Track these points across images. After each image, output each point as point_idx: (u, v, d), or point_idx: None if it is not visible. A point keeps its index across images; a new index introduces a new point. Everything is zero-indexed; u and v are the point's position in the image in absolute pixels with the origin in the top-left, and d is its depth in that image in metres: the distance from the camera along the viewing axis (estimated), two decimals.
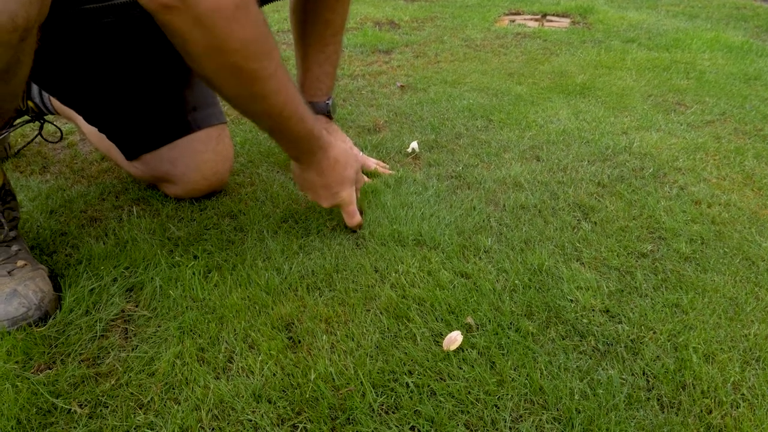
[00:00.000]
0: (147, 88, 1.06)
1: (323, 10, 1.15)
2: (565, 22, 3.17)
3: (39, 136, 1.29)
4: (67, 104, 1.09)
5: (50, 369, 0.74)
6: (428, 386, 0.70)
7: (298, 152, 0.95)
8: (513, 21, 3.17)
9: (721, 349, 0.78)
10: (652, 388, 0.72)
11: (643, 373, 0.73)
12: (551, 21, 3.21)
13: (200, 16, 0.69)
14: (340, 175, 0.98)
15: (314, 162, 0.95)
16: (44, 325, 0.79)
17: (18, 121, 1.32)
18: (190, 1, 0.68)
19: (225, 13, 0.70)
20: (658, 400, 0.70)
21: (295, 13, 1.20)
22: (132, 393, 0.70)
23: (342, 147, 0.99)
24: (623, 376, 0.73)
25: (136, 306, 0.85)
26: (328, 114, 1.27)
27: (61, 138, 1.40)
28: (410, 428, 0.66)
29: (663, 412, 0.68)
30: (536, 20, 3.22)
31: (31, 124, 1.38)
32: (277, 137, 0.92)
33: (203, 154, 1.11)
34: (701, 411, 0.68)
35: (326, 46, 1.19)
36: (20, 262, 0.82)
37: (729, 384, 0.72)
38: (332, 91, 1.28)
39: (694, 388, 0.71)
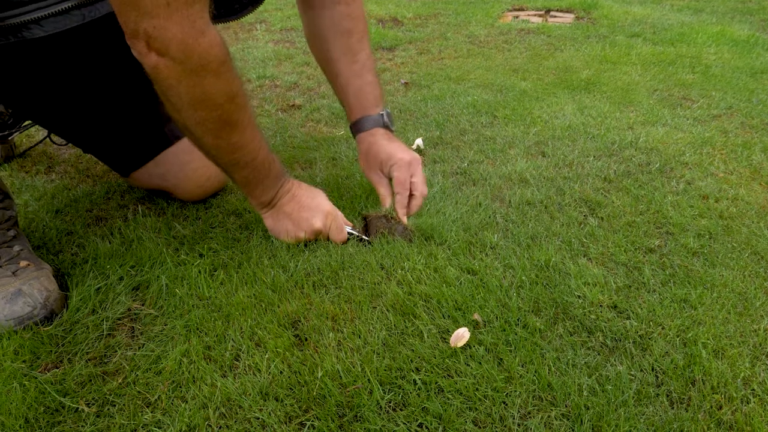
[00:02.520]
0: (115, 106, 1.02)
1: (340, 21, 1.05)
2: (569, 18, 3.16)
3: (47, 138, 1.29)
4: (43, 125, 1.08)
5: (57, 368, 0.74)
6: (436, 383, 0.70)
7: (272, 193, 0.94)
8: (517, 17, 3.15)
9: (731, 344, 0.77)
10: (662, 383, 0.71)
11: (652, 369, 0.73)
12: (555, 17, 3.20)
13: (189, 71, 0.71)
14: (314, 202, 0.97)
15: (287, 193, 0.95)
16: (50, 324, 0.79)
17: (27, 122, 1.32)
18: (180, 56, 0.70)
19: (212, 67, 0.72)
20: (668, 396, 0.69)
21: (314, 37, 1.10)
22: (139, 391, 0.70)
23: (307, 185, 1.00)
24: (632, 372, 0.72)
25: (143, 304, 0.85)
26: (385, 127, 1.09)
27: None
28: (418, 425, 0.65)
29: (672, 408, 0.68)
30: (540, 16, 3.20)
31: (37, 126, 1.38)
32: (252, 187, 0.91)
33: (190, 163, 1.08)
34: (711, 407, 0.68)
35: (357, 54, 1.07)
36: (23, 263, 0.82)
37: (739, 379, 0.71)
38: (383, 100, 1.12)
39: (703, 383, 0.71)
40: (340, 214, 0.99)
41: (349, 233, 0.99)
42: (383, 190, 1.06)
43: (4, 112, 1.28)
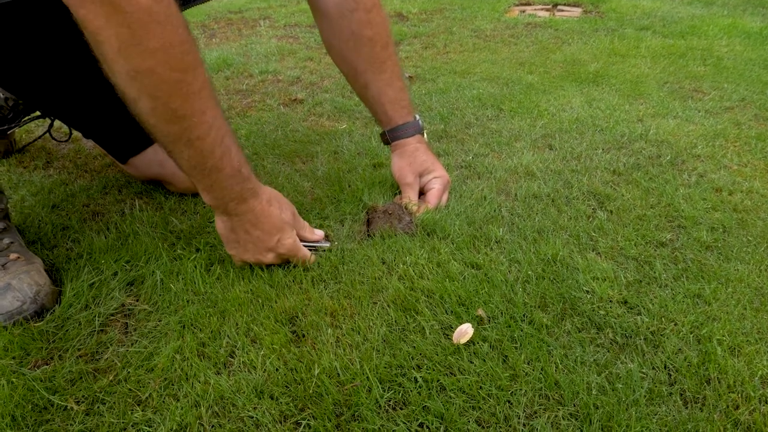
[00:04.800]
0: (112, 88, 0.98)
1: (360, 30, 0.99)
2: (576, 12, 3.11)
3: (47, 134, 1.27)
4: (43, 109, 1.05)
5: (47, 365, 0.71)
6: (437, 381, 0.67)
7: (224, 197, 0.78)
8: (523, 11, 3.11)
9: (747, 341, 0.74)
10: (675, 382, 0.68)
11: (665, 367, 0.70)
12: (562, 10, 3.15)
13: (116, 9, 0.61)
14: (276, 219, 0.83)
15: (244, 210, 0.80)
16: (42, 320, 0.77)
17: (26, 117, 1.31)
18: None
19: (142, 5, 0.62)
20: (681, 395, 0.66)
21: (335, 48, 1.05)
22: (130, 389, 0.67)
23: (271, 190, 0.85)
24: (643, 370, 0.69)
25: (137, 300, 0.83)
26: (422, 130, 1.10)
27: (69, 137, 1.38)
28: (419, 425, 0.62)
29: (686, 408, 0.64)
30: (547, 10, 3.16)
31: (37, 120, 1.37)
32: (198, 176, 0.76)
33: None
34: (727, 406, 0.64)
35: (383, 63, 1.02)
36: (13, 255, 0.80)
37: (757, 378, 0.68)
38: (413, 104, 1.11)
39: (719, 382, 0.67)
40: (306, 226, 0.92)
41: (312, 248, 0.92)
42: (412, 194, 1.05)
43: (4, 107, 1.26)
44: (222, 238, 0.85)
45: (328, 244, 0.93)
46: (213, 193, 0.78)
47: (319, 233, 0.93)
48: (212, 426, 0.63)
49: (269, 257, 0.85)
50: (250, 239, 0.83)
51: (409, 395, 0.65)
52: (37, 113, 1.31)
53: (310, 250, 0.90)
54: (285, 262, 0.88)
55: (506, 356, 0.71)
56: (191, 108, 0.69)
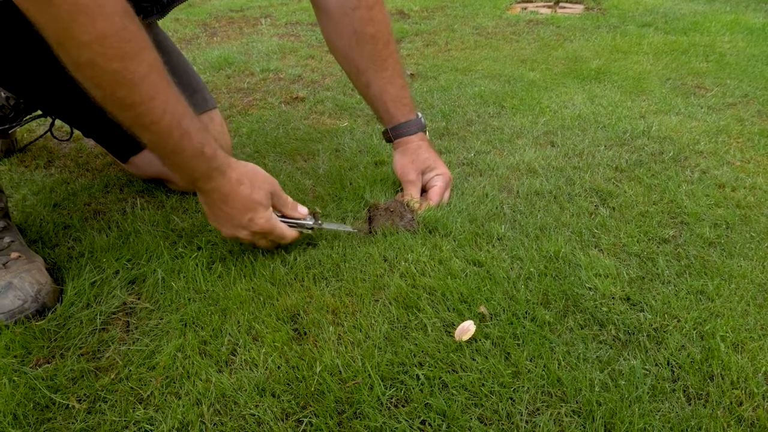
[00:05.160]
0: None
1: (362, 27, 0.99)
2: (578, 9, 3.10)
3: (49, 133, 1.27)
4: (43, 108, 1.05)
5: (49, 363, 0.71)
6: (440, 378, 0.67)
7: (191, 176, 0.79)
8: (525, 8, 3.10)
9: (751, 337, 0.73)
10: (678, 378, 0.67)
11: (668, 363, 0.69)
12: (564, 7, 3.14)
13: (46, 2, 0.60)
14: (246, 199, 0.82)
15: (211, 188, 0.80)
16: (43, 319, 0.77)
17: (28, 116, 1.31)
18: None
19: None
20: (684, 391, 0.66)
21: (336, 46, 1.05)
22: (132, 387, 0.67)
23: (247, 167, 0.84)
24: (646, 367, 0.69)
25: (138, 298, 0.83)
26: (424, 128, 1.10)
27: (71, 136, 1.38)
28: (421, 422, 0.62)
29: (690, 404, 0.64)
30: (549, 7, 3.15)
31: (38, 120, 1.37)
32: (162, 157, 0.77)
33: None
34: (731, 403, 0.64)
35: (385, 61, 1.02)
36: (14, 254, 0.80)
37: (760, 374, 0.67)
38: (414, 102, 1.12)
39: (722, 378, 0.67)
40: (288, 203, 0.90)
41: (294, 225, 0.90)
42: (415, 192, 1.05)
43: (6, 106, 1.26)
44: (204, 210, 0.86)
45: (311, 222, 0.91)
46: (179, 173, 0.79)
47: (302, 210, 0.91)
48: (214, 424, 0.62)
49: (243, 233, 0.85)
50: (224, 215, 0.83)
51: (411, 392, 0.65)
52: (39, 112, 1.31)
53: (293, 227, 0.89)
54: (277, 247, 0.88)
55: (508, 353, 0.70)
56: (139, 95, 0.69)
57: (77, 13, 0.61)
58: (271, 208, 0.86)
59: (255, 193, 0.83)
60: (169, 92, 0.72)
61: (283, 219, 0.88)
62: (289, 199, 0.90)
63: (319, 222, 0.93)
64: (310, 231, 0.92)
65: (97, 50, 0.64)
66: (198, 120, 0.77)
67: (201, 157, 0.77)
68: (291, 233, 0.89)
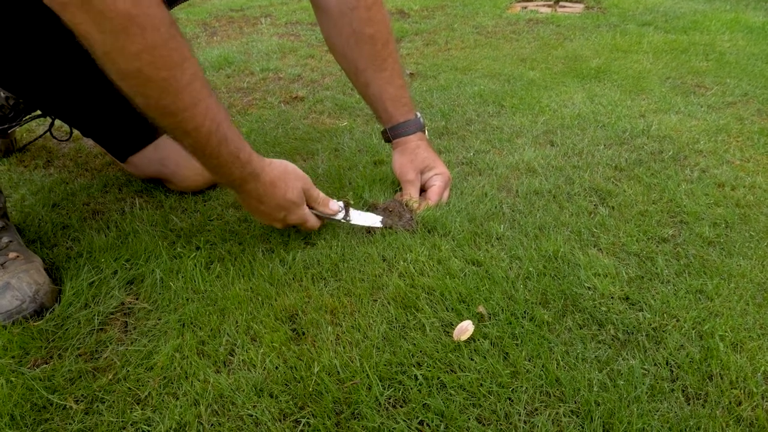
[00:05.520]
0: (110, 86, 0.98)
1: (361, 27, 0.99)
2: (578, 8, 3.10)
3: (48, 133, 1.27)
4: (43, 108, 1.05)
5: (47, 364, 0.71)
6: (438, 378, 0.67)
7: (228, 179, 0.82)
8: (525, 7, 3.10)
9: (750, 336, 0.73)
10: (677, 378, 0.67)
11: (667, 363, 0.69)
12: (564, 6, 3.14)
13: (96, 15, 0.62)
14: (281, 200, 0.86)
15: (246, 190, 0.84)
16: (41, 319, 0.77)
17: (27, 116, 1.31)
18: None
19: (121, 11, 0.62)
20: (683, 391, 0.66)
21: (335, 46, 1.05)
22: (129, 388, 0.67)
23: (280, 167, 0.87)
24: (645, 367, 0.68)
25: (136, 299, 0.83)
26: (423, 128, 1.10)
27: (70, 136, 1.38)
28: (419, 423, 0.62)
29: (689, 404, 0.64)
30: (549, 6, 3.15)
31: (38, 119, 1.37)
32: (202, 160, 0.79)
33: None
34: (730, 403, 0.64)
35: (384, 61, 1.02)
36: (12, 254, 0.80)
37: (759, 374, 0.67)
38: (414, 102, 1.12)
39: (721, 378, 0.67)
40: (320, 199, 0.92)
41: (330, 220, 0.95)
42: (413, 191, 1.05)
43: (5, 105, 1.26)
44: (242, 205, 0.90)
45: (340, 217, 0.94)
46: (217, 175, 0.82)
47: (333, 206, 0.94)
48: (211, 425, 0.62)
49: (278, 225, 0.90)
50: (258, 210, 0.87)
51: (409, 393, 0.65)
52: (38, 112, 1.31)
53: (322, 218, 0.93)
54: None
55: (507, 353, 0.70)
56: (182, 103, 0.71)
57: (128, 25, 0.63)
58: (304, 205, 0.89)
59: (289, 193, 0.86)
60: (210, 99, 0.74)
61: (314, 212, 0.92)
62: (321, 194, 0.93)
63: (348, 218, 0.95)
64: (341, 221, 0.95)
65: (146, 60, 0.66)
66: (234, 127, 0.80)
67: (236, 162, 0.79)
68: (318, 224, 0.93)
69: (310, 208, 0.91)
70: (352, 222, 0.95)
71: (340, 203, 0.95)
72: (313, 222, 0.92)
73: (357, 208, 0.99)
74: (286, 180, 0.87)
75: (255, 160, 0.82)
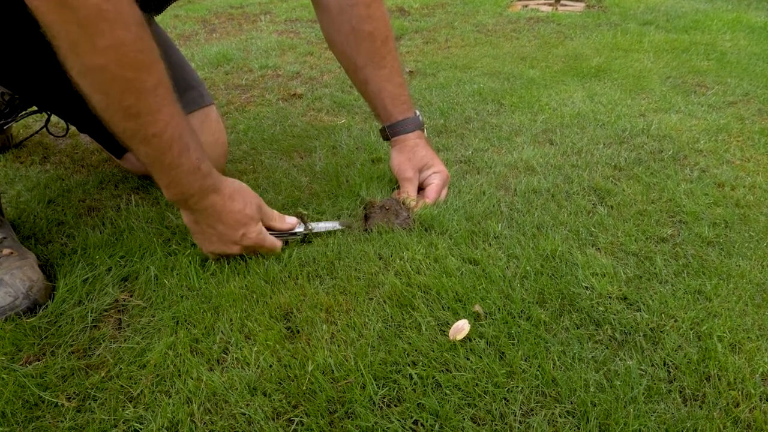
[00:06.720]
0: None
1: (360, 25, 0.98)
2: (579, 6, 3.09)
3: (44, 129, 1.26)
4: (38, 104, 1.04)
5: (39, 361, 0.71)
6: (433, 378, 0.66)
7: (183, 192, 0.77)
8: (526, 6, 3.09)
9: (749, 337, 0.72)
10: (674, 379, 0.67)
11: (664, 364, 0.68)
12: (565, 5, 3.13)
13: (65, 5, 0.60)
14: (239, 215, 0.82)
15: (204, 206, 0.80)
16: (34, 316, 0.76)
17: (23, 112, 1.30)
18: None
19: (91, 4, 0.61)
20: (681, 392, 0.65)
21: (335, 43, 1.04)
22: (122, 385, 0.67)
23: (235, 183, 0.84)
24: (642, 367, 0.68)
25: (131, 295, 0.82)
26: (422, 126, 1.10)
27: (66, 132, 1.37)
28: (413, 422, 0.61)
29: (686, 405, 0.63)
30: (550, 5, 3.14)
31: (34, 115, 1.36)
32: (157, 172, 0.75)
33: None
34: (727, 404, 0.63)
35: (383, 58, 1.01)
36: (6, 251, 0.79)
37: (757, 375, 0.67)
38: (412, 100, 1.11)
39: (719, 379, 0.66)
40: (274, 216, 0.90)
41: (289, 236, 0.92)
42: (411, 189, 1.04)
43: (1, 101, 1.25)
44: (190, 231, 0.85)
45: (301, 229, 0.92)
46: (173, 189, 0.77)
47: (290, 221, 0.91)
48: (204, 423, 0.62)
49: (235, 249, 0.85)
50: (215, 233, 0.83)
51: (404, 392, 0.64)
52: (34, 108, 1.30)
53: (281, 238, 0.90)
54: (253, 252, 0.88)
55: (503, 353, 0.70)
56: (146, 106, 0.69)
57: (97, 19, 0.62)
58: (261, 223, 0.86)
59: (247, 209, 0.83)
60: (174, 107, 0.72)
61: (271, 232, 0.89)
62: (275, 212, 0.90)
63: (309, 227, 0.93)
64: (301, 237, 0.92)
65: (112, 57, 0.64)
66: (197, 136, 0.77)
67: (197, 173, 0.76)
68: (280, 244, 0.89)
69: (268, 228, 0.88)
70: (314, 231, 0.93)
71: (293, 218, 0.92)
72: (272, 241, 0.88)
73: (351, 208, 0.99)
74: (243, 195, 0.84)
75: (214, 173, 0.80)
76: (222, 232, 0.83)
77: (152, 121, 0.70)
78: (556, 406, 0.63)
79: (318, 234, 0.94)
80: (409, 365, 0.68)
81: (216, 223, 0.82)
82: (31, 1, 0.61)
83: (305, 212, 0.96)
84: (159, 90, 0.69)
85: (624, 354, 0.70)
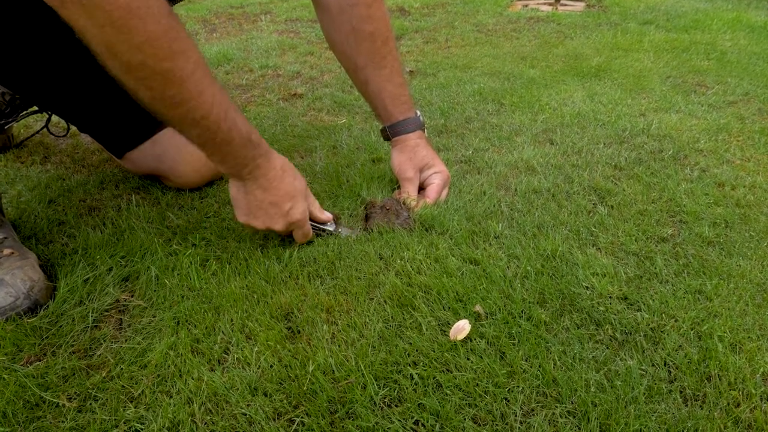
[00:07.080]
0: (110, 78, 0.97)
1: (361, 25, 0.98)
2: (579, 6, 3.09)
3: (45, 129, 1.26)
4: (39, 104, 1.04)
5: (40, 361, 0.71)
6: (434, 378, 0.66)
7: (238, 165, 0.80)
8: (526, 5, 3.09)
9: (749, 337, 0.72)
10: (675, 379, 0.67)
11: (665, 364, 0.68)
12: (565, 5, 3.13)
13: (95, 9, 0.61)
14: (290, 186, 0.85)
15: (258, 175, 0.82)
16: (35, 316, 0.76)
17: (24, 112, 1.30)
18: None
19: (120, 4, 0.62)
20: (681, 392, 0.65)
21: (335, 43, 1.04)
22: (123, 386, 0.67)
23: (283, 157, 0.86)
24: (643, 367, 0.68)
25: (131, 296, 0.82)
26: (423, 126, 1.09)
27: (67, 132, 1.37)
28: (414, 422, 0.61)
29: (686, 406, 0.63)
30: (550, 4, 3.14)
31: (35, 115, 1.36)
32: (210, 150, 0.78)
33: (188, 146, 1.02)
34: (728, 404, 0.63)
35: (383, 58, 1.01)
36: (6, 251, 0.79)
37: (758, 375, 0.67)
38: (413, 100, 1.12)
39: (719, 379, 0.66)
40: (316, 204, 0.92)
41: (319, 230, 0.93)
42: (412, 189, 1.05)
43: (1, 101, 1.25)
44: (234, 205, 0.86)
45: (332, 228, 0.93)
46: (228, 163, 0.80)
47: (327, 215, 0.93)
48: (205, 423, 0.62)
49: (279, 224, 0.86)
50: (262, 205, 0.84)
51: (405, 392, 0.64)
52: (35, 108, 1.30)
53: (314, 230, 0.92)
54: (288, 235, 0.90)
55: (504, 353, 0.70)
56: (188, 92, 0.71)
57: (129, 17, 0.63)
58: (307, 202, 0.88)
59: (297, 181, 0.86)
60: (214, 86, 0.74)
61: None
62: (316, 201, 0.92)
63: (339, 230, 0.94)
64: (327, 235, 0.93)
65: (148, 51, 0.66)
66: (240, 110, 0.79)
67: (249, 144, 0.79)
68: (312, 234, 0.91)
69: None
70: (342, 235, 0.94)
71: (330, 214, 0.94)
72: (309, 228, 0.90)
73: (352, 208, 0.99)
74: (294, 171, 0.87)
75: (264, 143, 0.83)
76: (273, 202, 0.84)
77: (197, 105, 0.72)
78: (556, 406, 0.63)
79: (336, 237, 0.95)
80: (409, 365, 0.68)
81: (266, 194, 0.84)
82: (63, 9, 0.62)
83: (341, 216, 0.97)
84: (197, 73, 0.71)
85: (624, 354, 0.70)
